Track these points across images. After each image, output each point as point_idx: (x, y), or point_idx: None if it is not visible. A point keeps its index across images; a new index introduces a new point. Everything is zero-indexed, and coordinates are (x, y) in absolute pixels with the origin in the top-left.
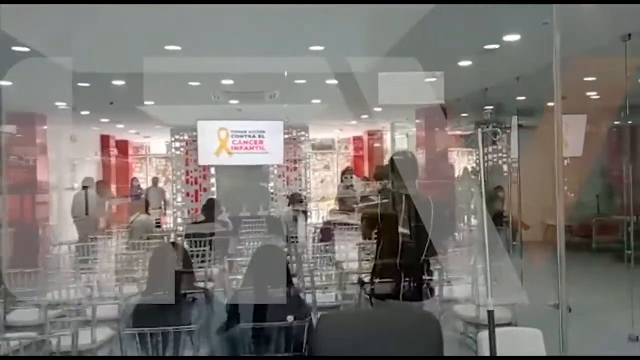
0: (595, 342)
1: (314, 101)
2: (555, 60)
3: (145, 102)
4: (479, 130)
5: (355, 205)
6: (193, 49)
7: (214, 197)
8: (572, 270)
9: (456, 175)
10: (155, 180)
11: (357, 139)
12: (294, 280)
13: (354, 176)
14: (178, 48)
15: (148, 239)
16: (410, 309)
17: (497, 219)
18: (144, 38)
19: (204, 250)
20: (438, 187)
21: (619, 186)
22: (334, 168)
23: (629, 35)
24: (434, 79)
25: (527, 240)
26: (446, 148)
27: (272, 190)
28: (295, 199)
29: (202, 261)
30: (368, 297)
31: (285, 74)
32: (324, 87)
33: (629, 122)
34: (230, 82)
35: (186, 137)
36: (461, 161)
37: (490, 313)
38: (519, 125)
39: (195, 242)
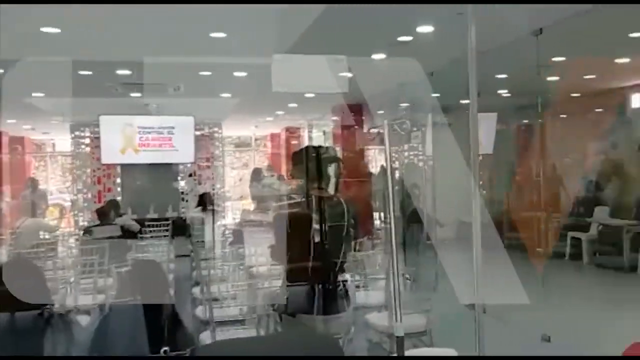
0: (509, 343)
1: (223, 95)
2: (471, 53)
3: (34, 94)
4: (385, 122)
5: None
6: (77, 33)
7: (114, 198)
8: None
9: (374, 173)
10: (33, 182)
11: (275, 136)
12: (195, 290)
13: (274, 174)
14: (57, 30)
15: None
16: (311, 335)
17: (413, 216)
18: (17, 19)
19: (92, 260)
20: (355, 185)
21: (527, 183)
22: (254, 166)
23: (541, 29)
24: (337, 63)
25: (442, 238)
26: (362, 146)
27: (182, 190)
28: (205, 200)
29: (91, 271)
30: (276, 313)
31: (186, 64)
32: (232, 80)
33: (540, 120)
34: (127, 72)
35: (88, 134)
36: (380, 159)
37: (399, 340)
38: (434, 123)
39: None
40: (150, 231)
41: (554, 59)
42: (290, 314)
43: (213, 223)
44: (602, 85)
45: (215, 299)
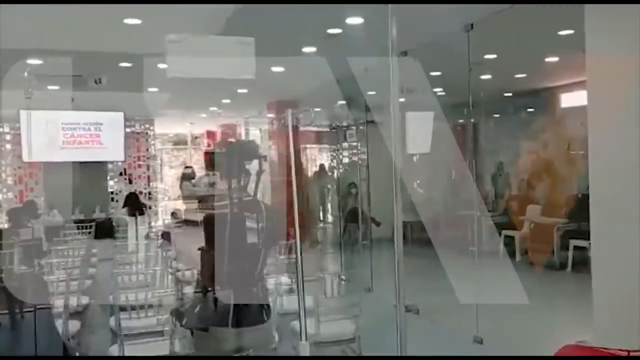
0: (439, 345)
1: (151, 90)
2: (392, 50)
3: None
4: (289, 112)
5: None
6: None
7: (32, 199)
8: (420, 267)
9: (313, 172)
10: None
11: (211, 134)
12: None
13: (210, 173)
14: None
15: None
16: None
17: (351, 216)
18: None
19: None
20: (288, 185)
21: (463, 182)
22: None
23: (472, 25)
24: (242, 46)
25: (380, 237)
26: (299, 144)
27: (111, 190)
28: (132, 200)
29: None
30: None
31: (102, 54)
32: (156, 72)
33: (471, 120)
34: (39, 62)
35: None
36: (320, 158)
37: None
38: (371, 122)
39: None
40: (71, 234)
41: (485, 56)
42: (202, 328)
43: (136, 225)
44: (533, 84)
45: (133, 308)
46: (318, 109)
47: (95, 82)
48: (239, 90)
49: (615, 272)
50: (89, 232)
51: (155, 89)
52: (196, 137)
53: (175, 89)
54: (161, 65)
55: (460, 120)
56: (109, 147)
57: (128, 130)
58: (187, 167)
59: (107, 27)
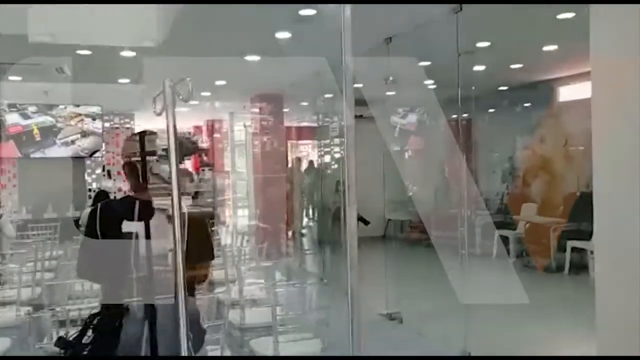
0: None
1: (121, 81)
2: (344, 51)
3: None
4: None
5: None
6: None
7: None
8: (408, 269)
9: (303, 168)
10: None
11: (197, 129)
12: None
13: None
14: None
15: None
16: None
17: (338, 213)
18: None
19: None
20: (271, 182)
21: (455, 180)
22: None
23: (460, 6)
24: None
25: (368, 236)
26: (283, 139)
27: (89, 187)
28: (101, 198)
29: None
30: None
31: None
32: (121, 61)
33: (465, 114)
34: None
35: None
36: (311, 154)
37: None
38: (360, 116)
39: None
40: (34, 235)
41: (478, 44)
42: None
43: None
44: (530, 77)
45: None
46: (305, 103)
47: (57, 71)
48: (217, 82)
49: (621, 276)
50: (53, 234)
51: (126, 80)
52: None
53: (149, 80)
54: (125, 53)
55: (454, 115)
56: (86, 142)
57: (107, 125)
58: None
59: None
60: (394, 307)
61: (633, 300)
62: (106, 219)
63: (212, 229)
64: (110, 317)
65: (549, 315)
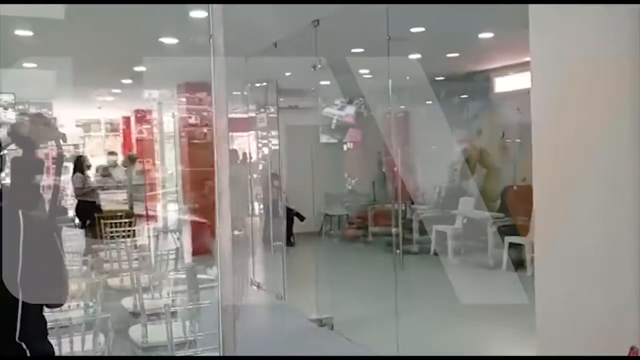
0: None
1: (26, 65)
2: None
3: None
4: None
5: None
6: None
7: None
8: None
9: (239, 160)
10: None
11: (126, 120)
12: None
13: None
14: None
15: None
16: None
17: (274, 209)
18: None
19: None
20: (200, 175)
21: (392, 173)
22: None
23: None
24: None
25: (305, 232)
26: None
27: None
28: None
29: None
30: None
31: None
32: (17, 41)
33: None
34: None
35: None
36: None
37: None
38: (295, 107)
39: None
40: None
41: (412, 29)
42: None
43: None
44: (466, 67)
45: None
46: (238, 92)
47: None
48: (136, 68)
49: (562, 273)
50: None
51: (32, 65)
52: (110, 124)
53: (60, 64)
54: (20, 32)
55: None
56: None
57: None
58: (80, 156)
59: None
60: (325, 311)
61: (573, 297)
62: None
63: (131, 228)
64: None
65: (484, 315)
